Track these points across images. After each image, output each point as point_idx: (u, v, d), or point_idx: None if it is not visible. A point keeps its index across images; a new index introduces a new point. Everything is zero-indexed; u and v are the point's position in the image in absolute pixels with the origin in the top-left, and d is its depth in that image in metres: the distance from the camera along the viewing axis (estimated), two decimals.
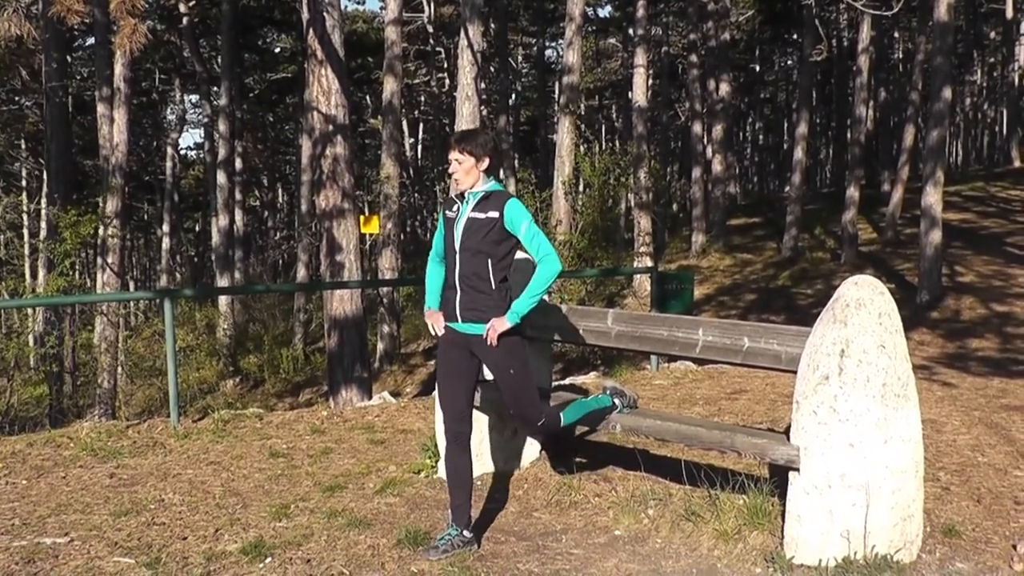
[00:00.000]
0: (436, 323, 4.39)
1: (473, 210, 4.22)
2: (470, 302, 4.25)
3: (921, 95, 22.01)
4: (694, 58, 25.23)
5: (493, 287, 4.22)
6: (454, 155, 4.22)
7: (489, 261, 4.19)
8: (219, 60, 28.00)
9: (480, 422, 5.34)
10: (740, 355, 4.31)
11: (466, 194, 4.26)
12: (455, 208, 4.30)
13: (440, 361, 4.49)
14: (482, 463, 5.40)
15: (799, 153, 21.81)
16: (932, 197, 14.04)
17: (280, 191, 49.71)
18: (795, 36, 35.68)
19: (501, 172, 29.67)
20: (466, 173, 4.21)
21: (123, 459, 6.18)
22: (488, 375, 4.52)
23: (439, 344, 4.45)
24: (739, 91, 38.58)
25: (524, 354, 4.35)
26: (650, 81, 30.43)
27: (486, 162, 4.23)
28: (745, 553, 4.11)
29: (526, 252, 4.35)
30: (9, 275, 21.36)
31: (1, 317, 19.59)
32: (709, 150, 24.56)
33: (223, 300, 23.89)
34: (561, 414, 4.47)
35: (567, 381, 8.09)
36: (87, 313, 16.12)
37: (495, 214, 4.16)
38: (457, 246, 4.24)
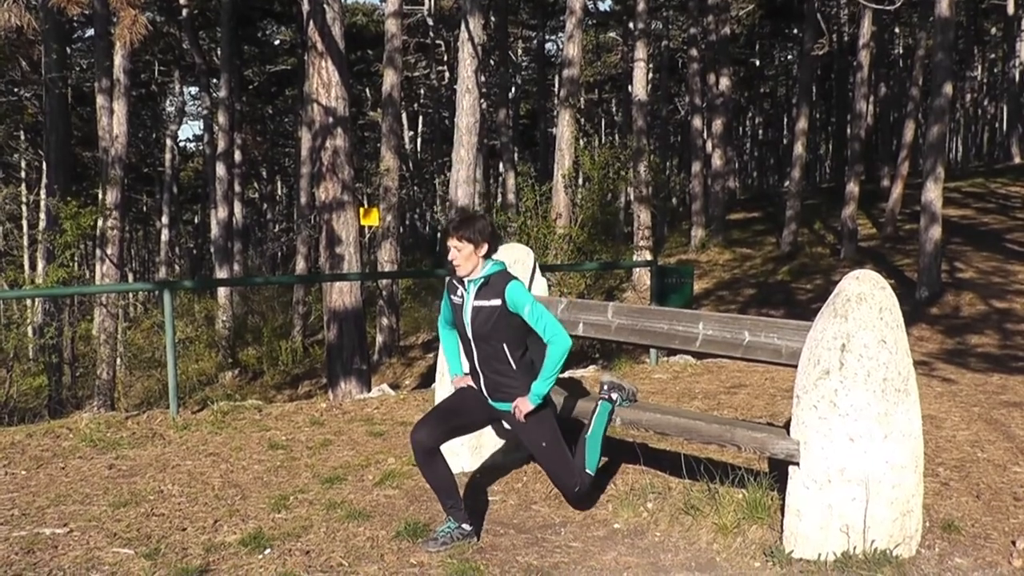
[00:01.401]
0: (468, 385, 4.50)
1: (476, 298, 4.27)
2: (496, 385, 4.37)
3: (921, 91, 22.00)
4: (694, 52, 25.19)
5: (515, 368, 4.32)
6: (452, 242, 4.25)
7: (504, 345, 4.29)
8: (218, 52, 27.93)
9: None
10: (740, 349, 4.30)
11: (466, 281, 4.30)
12: (459, 293, 4.36)
13: (463, 390, 4.54)
14: (482, 456, 5.41)
15: (799, 148, 21.79)
16: (932, 193, 14.04)
17: (279, 183, 49.70)
18: (795, 31, 35.66)
19: (501, 166, 29.64)
20: (465, 259, 4.24)
21: (122, 450, 6.18)
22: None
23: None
24: (739, 85, 38.53)
25: (553, 425, 4.43)
26: (650, 75, 30.41)
27: (484, 247, 4.25)
28: (744, 547, 4.11)
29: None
30: (8, 266, 21.34)
31: (0, 308, 19.57)
32: (709, 144, 24.54)
33: (222, 292, 23.88)
34: (587, 468, 4.51)
35: (566, 374, 8.08)
36: (86, 304, 16.11)
37: (497, 301, 4.22)
38: (469, 335, 4.33)
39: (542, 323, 4.21)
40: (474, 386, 4.48)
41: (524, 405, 4.26)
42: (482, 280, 4.26)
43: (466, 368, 4.55)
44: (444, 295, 4.51)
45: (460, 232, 4.22)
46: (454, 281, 4.39)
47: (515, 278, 4.29)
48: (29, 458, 5.99)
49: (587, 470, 4.49)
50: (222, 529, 4.58)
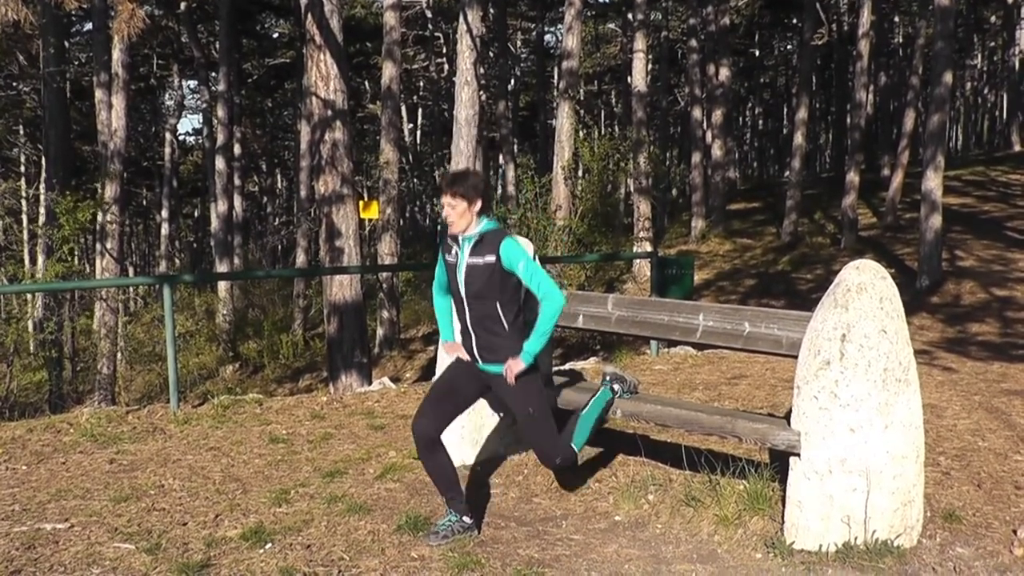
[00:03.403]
0: (459, 353, 4.44)
1: (470, 255, 4.22)
2: (488, 344, 4.30)
3: (921, 79, 21.95)
4: (694, 43, 25.11)
5: (507, 328, 4.26)
6: (446, 199, 4.20)
7: (497, 304, 4.23)
8: (217, 45, 27.86)
9: (483, 408, 5.32)
10: (741, 340, 4.30)
11: (460, 238, 4.25)
12: (453, 252, 4.30)
13: (450, 368, 4.52)
14: (484, 449, 5.40)
15: (799, 138, 21.75)
16: (932, 182, 14.02)
17: (279, 177, 49.62)
18: (795, 21, 35.53)
19: (501, 159, 29.59)
20: (460, 216, 4.19)
21: (123, 445, 6.18)
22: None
23: (456, 357, 4.49)
24: (739, 76, 38.45)
25: (542, 392, 4.39)
26: (649, 66, 30.31)
27: (478, 204, 4.20)
28: (745, 538, 4.11)
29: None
30: (8, 261, 21.33)
31: (0, 303, 19.57)
32: (709, 135, 24.49)
33: (222, 285, 23.88)
34: (572, 444, 4.46)
35: (567, 366, 8.08)
36: (86, 299, 16.11)
37: (492, 258, 4.16)
38: (463, 294, 4.27)
39: (536, 280, 4.16)
40: (463, 355, 4.41)
41: (516, 365, 4.19)
42: (476, 237, 4.21)
43: (458, 336, 4.49)
44: (438, 257, 4.45)
45: (453, 188, 4.18)
46: (448, 241, 4.34)
47: (510, 235, 4.26)
48: (30, 453, 5.99)
49: (572, 445, 4.45)
50: (223, 524, 4.58)
